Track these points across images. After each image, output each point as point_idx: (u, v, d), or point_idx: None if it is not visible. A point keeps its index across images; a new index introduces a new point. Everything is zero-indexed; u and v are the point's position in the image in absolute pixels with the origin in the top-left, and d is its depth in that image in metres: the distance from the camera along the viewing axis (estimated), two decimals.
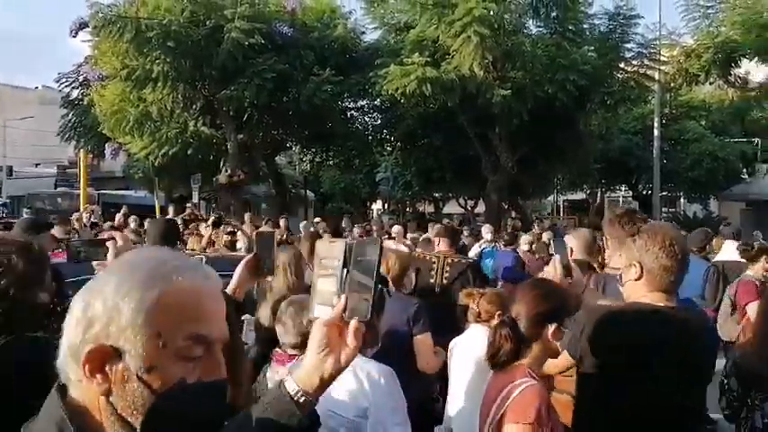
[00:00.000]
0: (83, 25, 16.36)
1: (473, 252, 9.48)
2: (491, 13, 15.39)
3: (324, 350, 1.23)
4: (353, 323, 1.23)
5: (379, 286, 1.28)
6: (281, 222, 13.22)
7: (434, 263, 5.69)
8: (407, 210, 30.31)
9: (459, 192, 26.01)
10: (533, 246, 9.71)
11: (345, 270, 1.29)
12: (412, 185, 25.13)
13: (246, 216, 12.96)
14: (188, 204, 19.05)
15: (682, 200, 31.93)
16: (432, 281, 5.58)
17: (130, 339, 1.04)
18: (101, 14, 15.59)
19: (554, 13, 17.90)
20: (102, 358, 1.04)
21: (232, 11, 16.23)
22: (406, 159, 23.38)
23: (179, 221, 13.95)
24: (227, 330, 1.16)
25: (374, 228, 14.47)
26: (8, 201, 30.15)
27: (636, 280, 2.51)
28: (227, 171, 18.13)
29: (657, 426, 2.41)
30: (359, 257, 1.28)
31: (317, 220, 14.94)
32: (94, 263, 3.35)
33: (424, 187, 24.88)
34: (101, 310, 1.05)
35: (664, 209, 27.01)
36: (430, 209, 31.44)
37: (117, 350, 1.04)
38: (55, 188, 32.33)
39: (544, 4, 17.89)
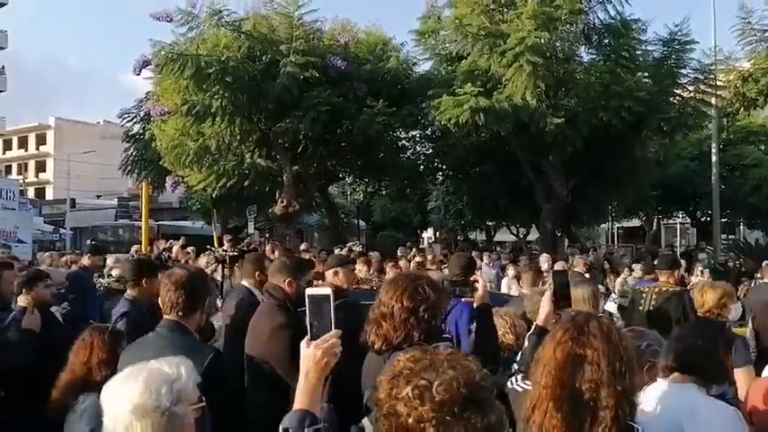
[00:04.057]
0: (146, 63, 17.02)
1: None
2: (543, 41, 15.39)
3: None
4: None
5: None
6: (336, 251, 13.33)
7: (645, 293, 6.06)
8: (459, 238, 30.25)
9: (511, 220, 25.85)
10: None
11: None
12: (463, 214, 25.13)
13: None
14: (250, 233, 19.42)
15: (742, 226, 31.03)
16: (641, 309, 5.94)
17: None
18: (163, 53, 16.18)
19: (606, 41, 17.83)
20: None
21: (287, 46, 16.68)
22: (457, 188, 23.41)
23: (235, 253, 14.32)
24: None
25: (427, 256, 14.46)
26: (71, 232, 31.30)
27: None
28: (282, 202, 18.42)
29: None
30: None
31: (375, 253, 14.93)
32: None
33: (476, 215, 24.83)
34: None
35: (723, 236, 26.24)
36: (481, 237, 31.33)
37: None
38: (115, 219, 33.37)
39: (596, 32, 17.85)
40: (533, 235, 25.73)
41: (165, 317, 3.22)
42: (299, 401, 1.93)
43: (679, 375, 2.75)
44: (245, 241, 17.18)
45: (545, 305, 2.97)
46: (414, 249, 17.77)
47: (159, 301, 3.27)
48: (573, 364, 2.03)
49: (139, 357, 2.79)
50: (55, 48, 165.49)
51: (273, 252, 14.42)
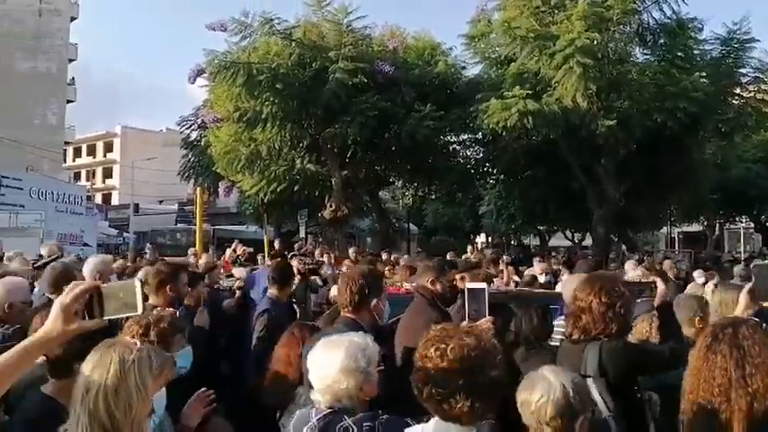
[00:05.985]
0: (200, 72, 17.48)
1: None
2: (594, 42, 15.13)
3: None
4: None
5: None
6: (384, 255, 13.40)
7: None
8: (512, 243, 29.90)
9: (563, 224, 25.41)
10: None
11: None
12: (515, 218, 24.83)
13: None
14: (301, 237, 19.67)
15: None
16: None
17: None
18: (216, 61, 16.60)
19: (661, 41, 17.37)
20: None
21: (336, 52, 16.87)
22: (509, 192, 23.15)
23: (288, 255, 14.52)
24: None
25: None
26: (134, 236, 32.38)
27: None
28: (331, 206, 18.61)
29: None
30: None
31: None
32: None
33: (526, 220, 24.51)
34: None
35: None
36: (535, 242, 30.90)
37: None
38: (175, 224, 34.36)
39: (651, 32, 17.41)
40: (589, 240, 25.23)
41: (342, 312, 3.71)
42: None
43: None
44: (297, 245, 17.44)
45: (742, 300, 3.19)
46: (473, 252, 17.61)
47: None
48: (707, 369, 2.20)
49: None
50: (123, 58, 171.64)
51: (322, 256, 14.63)
